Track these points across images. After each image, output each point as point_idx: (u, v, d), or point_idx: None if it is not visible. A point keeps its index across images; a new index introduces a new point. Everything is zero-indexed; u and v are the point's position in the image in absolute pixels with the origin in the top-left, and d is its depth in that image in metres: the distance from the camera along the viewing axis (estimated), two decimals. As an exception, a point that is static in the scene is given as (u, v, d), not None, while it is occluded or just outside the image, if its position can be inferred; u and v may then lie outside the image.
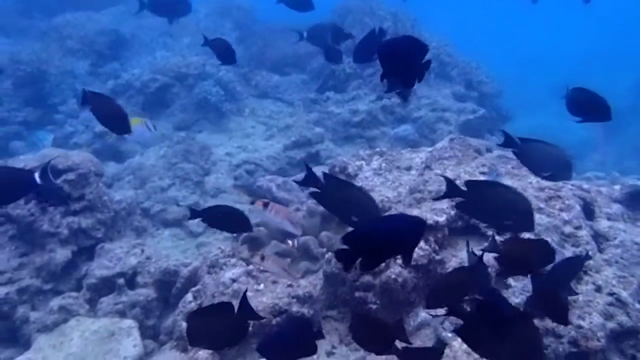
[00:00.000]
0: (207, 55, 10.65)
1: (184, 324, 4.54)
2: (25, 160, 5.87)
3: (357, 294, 4.11)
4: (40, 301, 5.37)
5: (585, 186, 4.86)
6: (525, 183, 4.48)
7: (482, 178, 4.57)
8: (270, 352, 2.55)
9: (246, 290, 2.81)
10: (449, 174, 4.59)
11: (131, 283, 5.44)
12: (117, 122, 3.12)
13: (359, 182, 5.26)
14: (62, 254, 5.51)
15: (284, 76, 10.73)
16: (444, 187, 4.38)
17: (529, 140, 2.96)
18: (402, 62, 2.52)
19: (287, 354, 2.54)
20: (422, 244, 4.05)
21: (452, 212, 4.24)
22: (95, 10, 11.76)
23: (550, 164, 2.96)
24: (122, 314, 5.15)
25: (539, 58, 22.88)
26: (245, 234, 4.70)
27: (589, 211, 4.45)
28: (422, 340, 3.97)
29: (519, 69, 21.25)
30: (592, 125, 13.63)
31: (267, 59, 11.18)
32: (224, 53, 4.55)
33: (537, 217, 4.11)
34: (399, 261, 4.04)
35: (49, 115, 9.35)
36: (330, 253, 4.32)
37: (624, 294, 3.79)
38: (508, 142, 2.98)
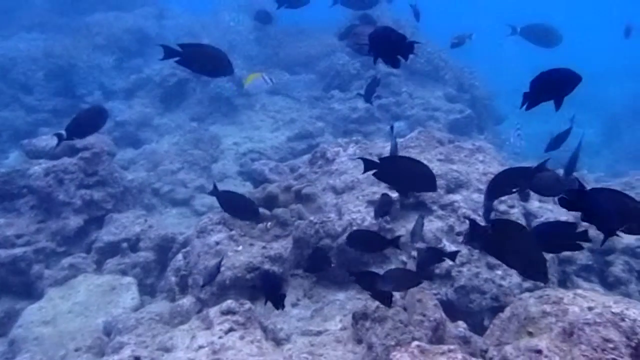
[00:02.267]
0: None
1: (173, 279, 5.26)
2: (46, 140, 6.68)
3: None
4: (54, 261, 6.10)
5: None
6: (473, 169, 5.06)
7: (437, 163, 5.14)
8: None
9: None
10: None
11: (134, 248, 6.17)
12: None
13: (335, 166, 5.88)
14: (75, 221, 6.27)
15: (294, 75, 11.42)
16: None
17: None
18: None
19: None
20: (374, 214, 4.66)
21: (406, 189, 4.82)
22: (126, 11, 12.68)
23: None
24: (124, 273, 5.86)
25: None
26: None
27: (525, 195, 4.99)
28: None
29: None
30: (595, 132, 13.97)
31: (281, 59, 11.91)
32: None
33: (477, 197, 4.70)
34: (355, 228, 4.65)
35: (77, 105, 10.22)
36: (299, 221, 4.96)
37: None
38: None
